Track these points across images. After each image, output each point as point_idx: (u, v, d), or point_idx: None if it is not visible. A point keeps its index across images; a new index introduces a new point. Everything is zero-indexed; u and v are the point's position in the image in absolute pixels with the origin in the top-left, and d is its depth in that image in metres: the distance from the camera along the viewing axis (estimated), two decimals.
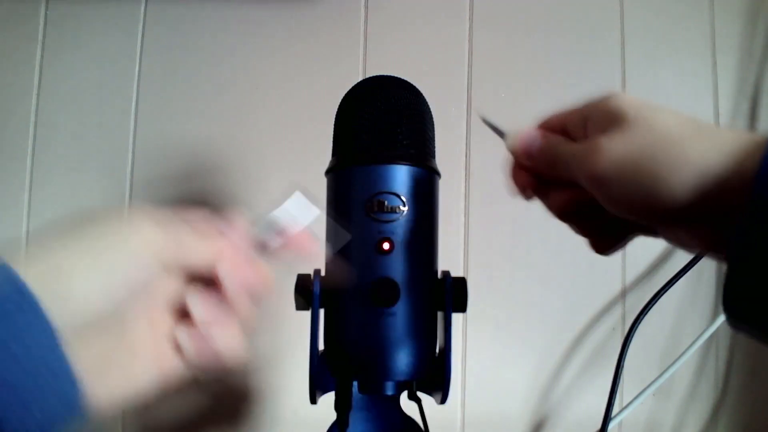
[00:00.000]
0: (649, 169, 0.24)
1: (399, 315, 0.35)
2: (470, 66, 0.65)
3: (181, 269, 0.26)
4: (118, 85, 0.65)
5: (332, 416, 0.38)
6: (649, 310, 0.58)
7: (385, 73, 0.40)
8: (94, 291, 0.22)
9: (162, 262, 0.24)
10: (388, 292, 0.35)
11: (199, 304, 0.26)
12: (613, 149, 0.25)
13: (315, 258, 0.31)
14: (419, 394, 0.38)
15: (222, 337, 0.26)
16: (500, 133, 0.33)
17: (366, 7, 0.66)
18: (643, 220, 0.26)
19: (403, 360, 0.36)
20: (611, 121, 0.26)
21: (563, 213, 0.31)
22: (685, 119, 0.24)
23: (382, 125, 0.37)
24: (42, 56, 0.65)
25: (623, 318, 0.64)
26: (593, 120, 0.27)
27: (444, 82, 0.65)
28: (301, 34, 0.65)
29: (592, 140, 0.26)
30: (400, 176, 0.36)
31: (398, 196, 0.36)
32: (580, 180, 0.27)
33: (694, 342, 0.60)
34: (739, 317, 0.22)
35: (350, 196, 0.36)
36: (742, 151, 0.22)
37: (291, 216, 0.29)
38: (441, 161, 0.40)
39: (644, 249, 0.64)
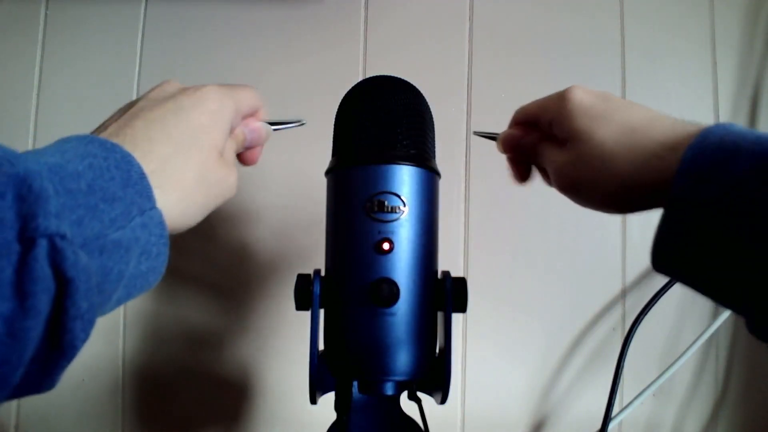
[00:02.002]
0: (590, 183, 0.31)
1: (399, 315, 0.35)
2: (470, 66, 0.65)
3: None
4: (118, 85, 0.65)
5: (332, 416, 0.38)
6: (649, 310, 0.58)
7: (385, 73, 0.40)
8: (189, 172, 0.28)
9: (230, 122, 0.32)
10: (388, 292, 0.34)
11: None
12: (566, 170, 0.32)
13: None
14: (419, 394, 0.38)
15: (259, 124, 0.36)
16: (493, 138, 0.40)
17: (366, 7, 0.66)
18: (601, 211, 0.32)
19: (403, 360, 0.36)
20: (566, 137, 0.32)
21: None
22: (622, 130, 0.29)
23: (382, 125, 0.37)
24: (42, 56, 0.65)
25: (623, 318, 0.64)
26: (556, 126, 0.33)
27: (444, 82, 0.65)
28: (301, 34, 0.65)
29: (555, 159, 0.33)
30: (400, 176, 0.36)
31: (398, 196, 0.36)
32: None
33: (694, 342, 0.60)
34: (658, 268, 0.28)
35: (350, 196, 0.36)
36: (661, 164, 0.27)
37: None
38: (441, 161, 0.40)
39: (644, 249, 0.64)
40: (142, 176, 0.25)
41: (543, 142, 0.35)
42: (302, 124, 0.39)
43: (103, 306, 0.23)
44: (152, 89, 0.31)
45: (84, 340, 0.21)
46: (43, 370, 0.20)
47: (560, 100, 0.33)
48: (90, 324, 0.21)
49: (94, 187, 0.22)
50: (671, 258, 0.26)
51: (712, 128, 0.26)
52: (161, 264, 0.26)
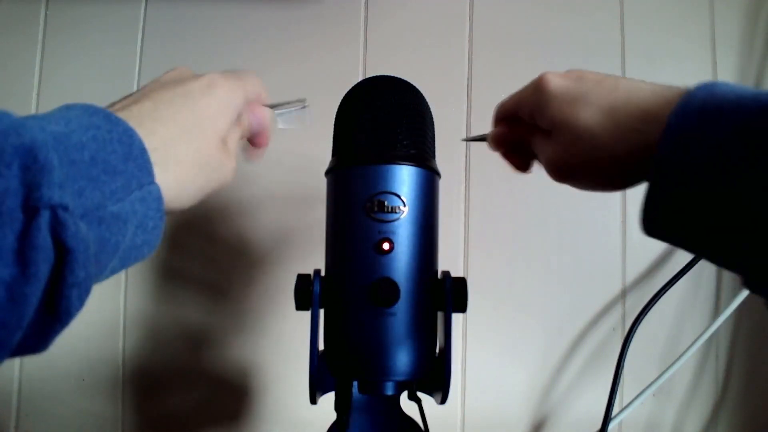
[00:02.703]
0: (583, 169, 0.30)
1: (399, 315, 0.35)
2: (470, 66, 0.65)
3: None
4: (119, 85, 0.65)
5: (332, 416, 0.38)
6: (649, 310, 0.58)
7: (385, 73, 0.40)
8: (190, 156, 0.29)
9: (237, 110, 0.33)
10: (388, 292, 0.35)
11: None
12: (557, 161, 0.32)
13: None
14: (419, 394, 0.38)
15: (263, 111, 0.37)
16: (483, 139, 0.39)
17: (366, 7, 0.66)
18: (601, 191, 0.32)
19: (403, 360, 0.36)
20: (549, 127, 0.32)
21: None
22: (603, 111, 0.29)
23: (382, 125, 0.37)
24: (42, 56, 0.65)
25: (623, 318, 0.64)
26: (537, 118, 0.33)
27: (444, 82, 0.65)
28: (301, 34, 0.65)
29: (545, 151, 0.33)
30: (400, 176, 0.36)
31: (398, 196, 0.36)
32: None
33: (694, 342, 0.60)
34: (649, 232, 0.28)
35: (350, 196, 0.36)
36: (646, 136, 0.27)
37: (289, 118, 0.39)
38: (441, 161, 0.40)
39: (644, 249, 0.64)
40: (143, 151, 0.25)
41: (532, 135, 0.35)
42: (305, 106, 0.39)
43: (98, 275, 0.23)
44: (164, 74, 0.31)
45: (79, 308, 0.21)
46: (38, 335, 0.21)
47: (535, 91, 0.32)
48: (86, 292, 0.22)
49: (96, 159, 0.23)
50: (661, 221, 0.26)
51: (694, 92, 0.25)
52: (156, 237, 0.27)
